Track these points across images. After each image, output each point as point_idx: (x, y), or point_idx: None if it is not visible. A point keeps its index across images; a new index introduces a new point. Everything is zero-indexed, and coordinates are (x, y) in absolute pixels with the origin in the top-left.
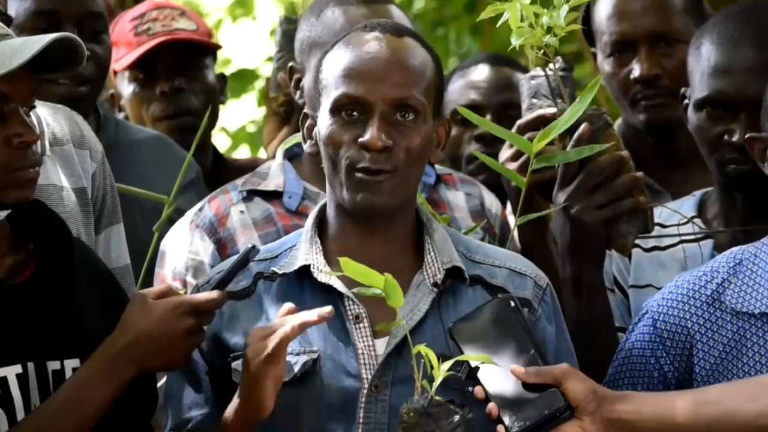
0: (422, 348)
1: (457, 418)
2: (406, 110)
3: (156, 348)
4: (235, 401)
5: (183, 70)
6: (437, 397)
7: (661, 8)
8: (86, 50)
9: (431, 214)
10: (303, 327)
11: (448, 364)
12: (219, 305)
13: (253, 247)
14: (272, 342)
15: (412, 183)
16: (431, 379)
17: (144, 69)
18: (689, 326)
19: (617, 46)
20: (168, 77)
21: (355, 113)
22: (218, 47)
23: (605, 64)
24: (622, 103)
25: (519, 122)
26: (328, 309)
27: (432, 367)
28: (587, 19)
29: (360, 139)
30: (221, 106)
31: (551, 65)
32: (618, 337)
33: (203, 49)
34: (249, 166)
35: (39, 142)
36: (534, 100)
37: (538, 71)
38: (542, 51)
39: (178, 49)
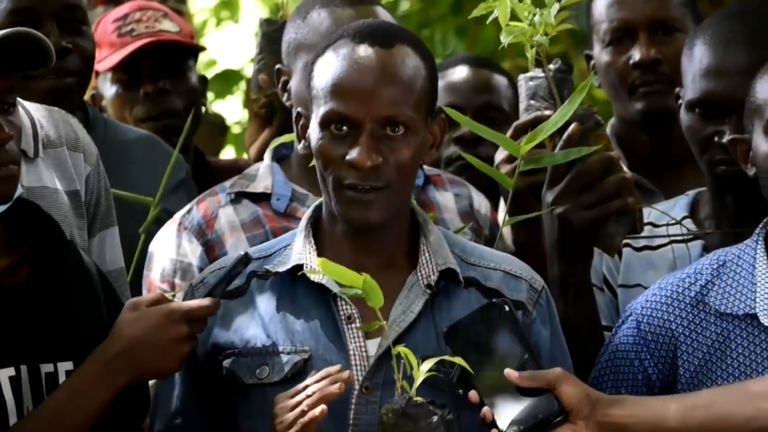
0: (401, 349)
1: (435, 418)
2: (395, 126)
3: (149, 355)
4: None
5: (167, 71)
6: (417, 398)
7: None
8: (68, 44)
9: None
10: (329, 399)
11: (428, 364)
12: (212, 312)
13: (246, 254)
14: (300, 425)
15: (405, 195)
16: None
17: (128, 70)
18: (673, 328)
19: (617, 33)
20: (152, 79)
21: (344, 128)
22: (201, 49)
23: (603, 55)
24: (619, 94)
25: (516, 123)
26: (346, 374)
27: (411, 368)
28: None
29: (347, 158)
30: (202, 108)
31: (550, 66)
32: (605, 337)
33: (186, 50)
34: (230, 167)
35: (32, 141)
36: (532, 102)
37: (537, 72)
38: (533, 49)
39: (162, 51)
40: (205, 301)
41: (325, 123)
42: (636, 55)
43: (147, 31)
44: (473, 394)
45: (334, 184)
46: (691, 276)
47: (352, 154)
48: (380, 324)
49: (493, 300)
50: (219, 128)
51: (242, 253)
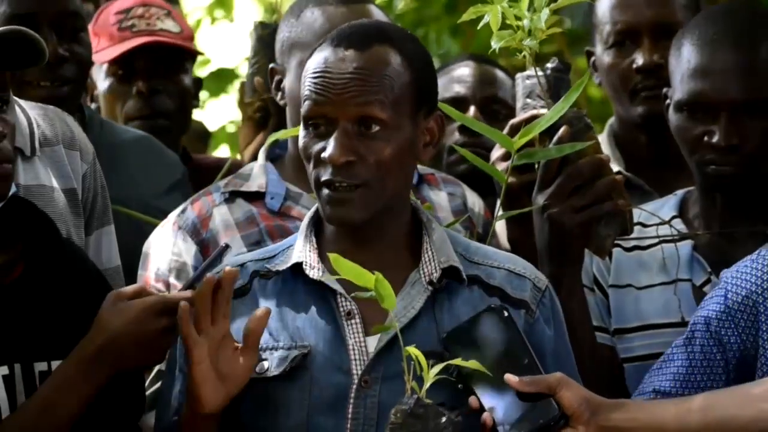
0: (412, 350)
1: (444, 419)
2: (369, 124)
3: (131, 348)
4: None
5: (162, 71)
6: (427, 400)
7: (665, 0)
8: (65, 51)
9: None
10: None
11: (438, 367)
12: (193, 304)
13: (227, 246)
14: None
15: (390, 192)
16: (422, 380)
17: (123, 66)
18: (760, 302)
19: (620, 36)
20: (146, 77)
21: (321, 126)
22: (199, 53)
23: (605, 56)
24: (620, 96)
25: (512, 121)
26: (263, 310)
27: (422, 369)
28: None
29: (322, 154)
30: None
31: (547, 65)
32: (596, 337)
33: (184, 52)
34: (216, 165)
35: (28, 140)
36: (528, 100)
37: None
38: (522, 54)
39: (160, 51)
40: (186, 293)
41: (305, 121)
42: (639, 59)
43: (147, 29)
44: (473, 400)
45: (315, 182)
46: None
47: (326, 150)
48: (393, 325)
49: (492, 305)
50: (200, 135)
51: (223, 244)
